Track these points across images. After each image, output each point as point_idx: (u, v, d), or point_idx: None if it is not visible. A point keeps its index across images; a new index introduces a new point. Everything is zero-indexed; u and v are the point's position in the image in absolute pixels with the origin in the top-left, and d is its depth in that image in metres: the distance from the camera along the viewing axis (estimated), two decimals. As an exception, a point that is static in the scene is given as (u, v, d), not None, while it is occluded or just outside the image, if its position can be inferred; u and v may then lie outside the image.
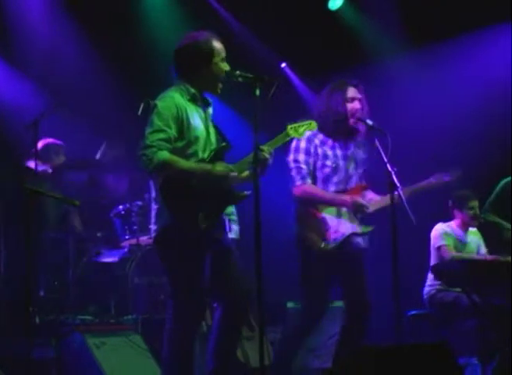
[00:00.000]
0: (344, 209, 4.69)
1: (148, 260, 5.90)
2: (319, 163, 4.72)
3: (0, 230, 5.79)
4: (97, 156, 6.40)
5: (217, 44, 4.11)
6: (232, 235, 4.27)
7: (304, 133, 4.21)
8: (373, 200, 4.78)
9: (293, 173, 4.72)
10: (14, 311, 5.45)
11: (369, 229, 4.73)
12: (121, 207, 6.45)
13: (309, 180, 4.69)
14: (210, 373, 4.06)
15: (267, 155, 3.93)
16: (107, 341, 5.18)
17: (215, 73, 4.08)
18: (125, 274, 5.97)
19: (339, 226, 4.67)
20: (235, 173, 4.00)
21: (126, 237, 6.42)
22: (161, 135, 3.89)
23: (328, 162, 4.71)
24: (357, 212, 4.69)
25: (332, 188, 4.73)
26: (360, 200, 4.68)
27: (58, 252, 6.14)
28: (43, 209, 6.06)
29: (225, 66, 4.10)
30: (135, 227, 6.31)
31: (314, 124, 4.23)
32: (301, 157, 4.69)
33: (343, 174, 4.76)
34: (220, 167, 3.97)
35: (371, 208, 4.72)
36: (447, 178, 4.87)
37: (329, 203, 4.68)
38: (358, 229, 4.72)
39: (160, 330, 4.15)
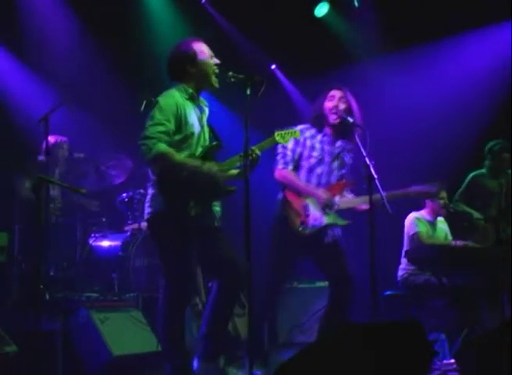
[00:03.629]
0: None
1: (148, 243, 6.01)
2: (306, 153, 4.97)
3: (15, 217, 5.97)
4: None
5: (197, 45, 4.35)
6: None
7: (288, 140, 4.45)
8: (350, 199, 5.00)
9: (279, 157, 4.97)
10: (26, 288, 5.66)
11: (344, 222, 4.95)
12: (124, 195, 6.68)
13: (290, 167, 4.96)
14: (202, 336, 4.27)
15: (255, 156, 4.17)
16: (110, 316, 5.36)
17: (203, 70, 4.31)
18: (127, 256, 6.19)
19: (320, 215, 4.90)
20: (221, 173, 4.21)
21: (129, 222, 6.66)
22: (161, 128, 4.08)
23: (315, 154, 4.97)
24: (326, 206, 4.89)
25: (314, 179, 4.97)
26: (330, 196, 4.89)
27: (67, 236, 6.29)
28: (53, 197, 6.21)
29: (215, 61, 4.34)
30: (137, 213, 6.52)
31: (297, 133, 4.48)
32: (289, 144, 4.94)
33: (327, 168, 4.99)
34: (208, 165, 4.16)
35: (346, 206, 4.93)
36: (431, 189, 4.97)
37: (302, 191, 4.90)
38: (334, 220, 4.93)
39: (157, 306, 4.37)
